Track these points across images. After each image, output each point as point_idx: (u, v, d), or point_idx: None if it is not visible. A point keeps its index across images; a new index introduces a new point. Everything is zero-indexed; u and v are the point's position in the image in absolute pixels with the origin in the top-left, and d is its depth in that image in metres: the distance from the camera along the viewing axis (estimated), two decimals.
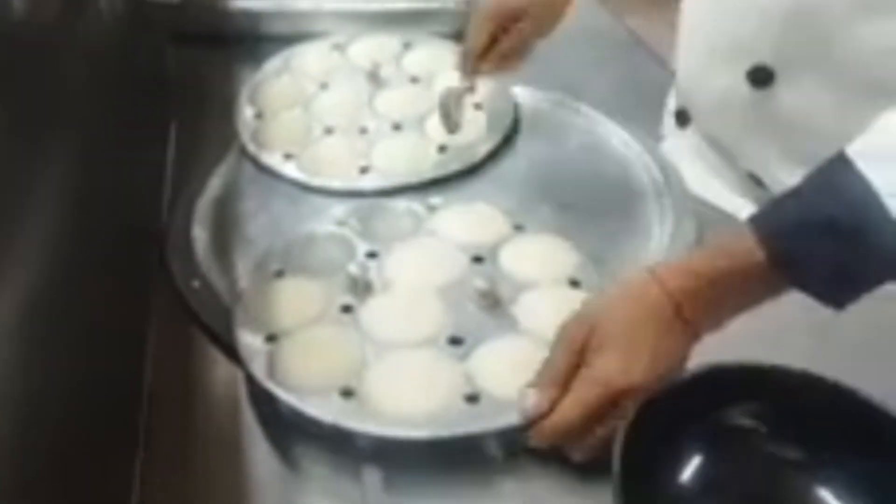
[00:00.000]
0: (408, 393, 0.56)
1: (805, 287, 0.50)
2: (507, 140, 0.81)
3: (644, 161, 0.77)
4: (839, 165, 0.50)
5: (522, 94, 0.86)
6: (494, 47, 0.75)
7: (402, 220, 0.71)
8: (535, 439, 0.52)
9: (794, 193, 0.52)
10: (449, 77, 0.84)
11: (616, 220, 0.72)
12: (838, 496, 0.47)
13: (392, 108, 0.84)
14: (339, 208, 0.73)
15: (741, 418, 0.49)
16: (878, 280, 0.51)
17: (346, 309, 0.62)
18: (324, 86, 0.87)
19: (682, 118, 0.77)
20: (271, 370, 0.57)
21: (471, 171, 0.77)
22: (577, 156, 0.79)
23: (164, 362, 0.61)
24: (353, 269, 0.63)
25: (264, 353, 0.59)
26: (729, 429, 0.49)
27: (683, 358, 0.52)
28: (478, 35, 0.74)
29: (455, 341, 0.59)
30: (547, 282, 0.64)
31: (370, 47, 0.91)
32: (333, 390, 0.55)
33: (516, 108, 0.84)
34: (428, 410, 0.54)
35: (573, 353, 0.52)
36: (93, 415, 0.52)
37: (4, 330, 0.41)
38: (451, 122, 0.77)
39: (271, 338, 0.60)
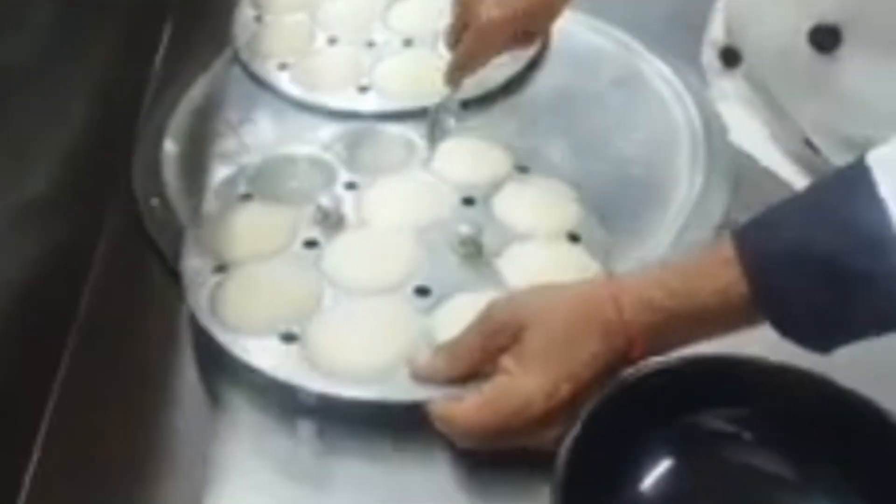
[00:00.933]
0: (356, 345, 0.49)
1: (788, 332, 0.40)
2: (530, 68, 0.71)
3: (684, 103, 0.66)
4: (856, 168, 0.39)
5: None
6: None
7: (394, 149, 0.63)
8: (431, 420, 0.44)
9: (798, 208, 0.41)
10: None
11: (638, 169, 0.62)
12: None
13: (407, 21, 0.75)
14: (328, 129, 0.65)
15: (719, 422, 0.40)
16: (881, 328, 0.39)
17: (310, 244, 0.55)
18: None
19: (731, 57, 0.65)
20: (213, 303, 0.51)
21: (482, 100, 0.68)
22: (606, 92, 0.69)
23: (109, 282, 0.56)
24: (324, 200, 0.56)
25: (210, 284, 0.52)
26: (703, 434, 0.40)
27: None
28: (486, 56, 0.62)
29: (422, 291, 0.52)
30: (542, 234, 0.56)
31: None
32: (274, 333, 0.49)
33: (546, 32, 0.74)
34: (377, 367, 0.47)
35: (494, 342, 0.44)
36: (18, 322, 0.47)
37: None
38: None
39: (220, 268, 0.53)
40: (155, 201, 0.59)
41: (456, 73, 0.64)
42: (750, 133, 0.64)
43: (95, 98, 0.62)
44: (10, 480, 0.45)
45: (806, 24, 0.55)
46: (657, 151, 0.63)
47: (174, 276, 0.55)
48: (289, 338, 0.49)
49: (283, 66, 0.70)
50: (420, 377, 0.46)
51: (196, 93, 0.69)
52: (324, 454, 0.47)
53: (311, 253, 0.54)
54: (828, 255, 0.38)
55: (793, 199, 0.42)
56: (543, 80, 0.70)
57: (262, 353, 0.48)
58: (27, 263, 0.50)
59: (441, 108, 0.64)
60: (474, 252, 0.53)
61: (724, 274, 0.40)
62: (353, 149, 0.63)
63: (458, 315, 0.49)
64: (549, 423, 0.41)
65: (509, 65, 0.69)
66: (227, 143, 0.65)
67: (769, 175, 0.60)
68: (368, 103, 0.68)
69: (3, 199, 0.48)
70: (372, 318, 0.50)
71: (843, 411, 0.39)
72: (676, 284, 0.42)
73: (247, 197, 0.59)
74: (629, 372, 0.41)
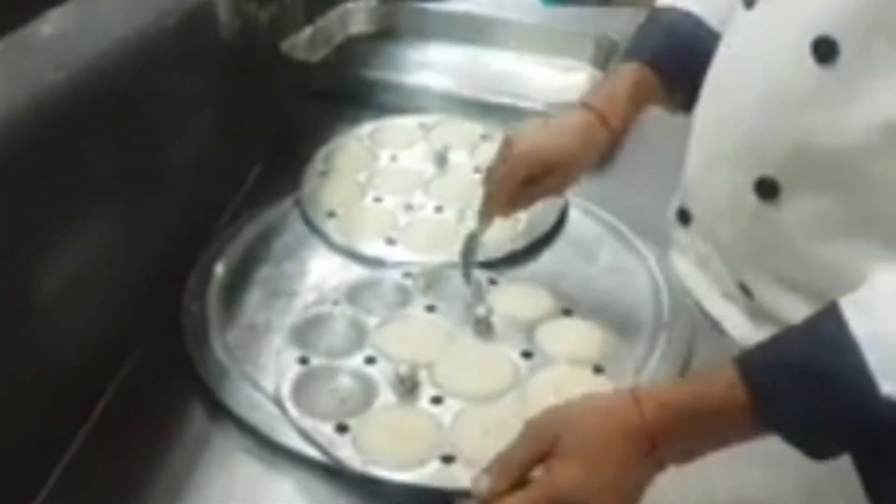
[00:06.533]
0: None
1: (780, 430, 0.50)
2: (537, 246, 0.82)
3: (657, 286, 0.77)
4: (828, 313, 0.50)
5: (576, 204, 0.87)
6: (517, 196, 0.73)
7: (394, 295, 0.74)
8: None
9: (782, 336, 0.52)
10: None
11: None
12: None
13: (444, 191, 0.88)
14: (356, 271, 0.78)
15: None
16: (853, 434, 0.50)
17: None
18: (394, 158, 0.93)
19: (685, 217, 0.74)
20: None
21: (483, 266, 0.78)
22: (599, 277, 0.79)
23: (140, 373, 0.69)
24: (402, 368, 0.64)
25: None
26: None
27: (643, 486, 0.52)
28: (509, 187, 0.72)
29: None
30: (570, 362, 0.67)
31: (450, 132, 0.96)
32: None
33: (561, 218, 0.85)
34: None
35: (538, 452, 0.52)
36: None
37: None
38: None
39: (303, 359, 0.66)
40: (195, 307, 0.73)
41: (488, 205, 0.73)
42: (697, 280, 0.74)
43: (182, 216, 0.79)
44: None
45: (751, 177, 0.64)
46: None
47: (194, 373, 0.68)
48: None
49: (331, 215, 0.85)
50: (480, 492, 0.52)
51: (258, 225, 0.84)
52: None
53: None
54: (802, 358, 0.49)
55: (781, 330, 0.53)
56: (544, 261, 0.81)
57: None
58: (81, 337, 0.63)
59: (471, 240, 0.75)
60: (486, 329, 0.68)
61: (724, 385, 0.50)
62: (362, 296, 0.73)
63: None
64: None
65: (514, 244, 0.81)
66: (268, 272, 0.79)
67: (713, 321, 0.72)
68: (393, 255, 0.80)
69: (87, 286, 0.63)
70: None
71: None
72: (688, 392, 0.52)
73: (304, 361, 0.67)
74: None
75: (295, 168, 0.92)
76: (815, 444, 0.50)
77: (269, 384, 0.66)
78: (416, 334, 0.69)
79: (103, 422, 0.64)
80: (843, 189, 0.59)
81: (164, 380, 0.68)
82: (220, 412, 0.65)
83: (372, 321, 0.70)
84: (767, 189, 0.63)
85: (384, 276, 0.77)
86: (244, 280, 0.77)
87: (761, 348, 0.52)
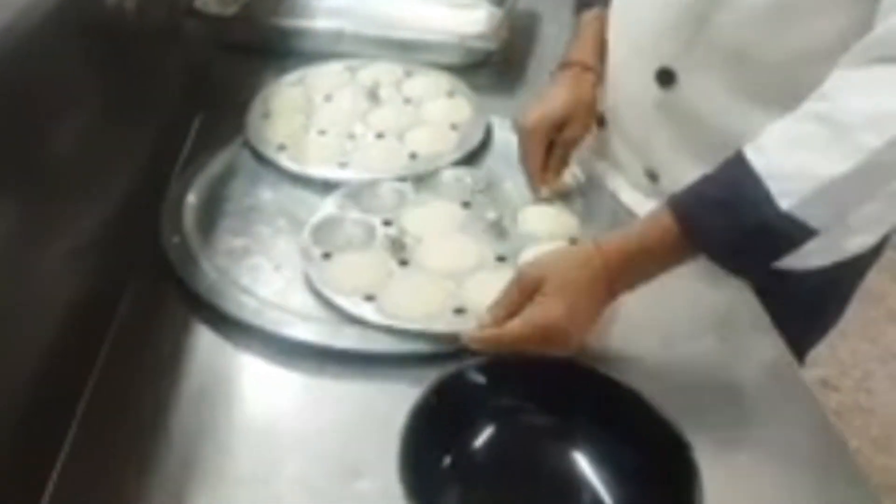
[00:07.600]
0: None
1: (708, 252, 0.63)
2: (472, 158, 0.92)
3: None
4: (735, 157, 0.62)
5: (499, 123, 0.97)
6: (548, 163, 0.84)
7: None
8: (474, 343, 0.65)
9: (703, 180, 0.64)
10: (437, 103, 0.99)
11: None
12: (583, 454, 0.61)
13: (381, 121, 0.96)
14: (311, 195, 0.86)
15: (513, 399, 0.62)
16: (768, 253, 0.63)
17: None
18: (328, 98, 1.00)
19: (599, 122, 0.88)
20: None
21: (432, 176, 0.88)
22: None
23: (138, 299, 0.75)
24: (391, 230, 0.78)
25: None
26: (504, 407, 0.62)
27: (602, 314, 0.66)
28: (535, 154, 0.83)
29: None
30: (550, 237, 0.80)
31: (377, 71, 1.04)
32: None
33: (487, 132, 0.95)
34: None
35: (526, 292, 0.66)
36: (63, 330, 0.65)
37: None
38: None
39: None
40: (176, 239, 0.79)
41: (530, 179, 0.84)
42: (611, 177, 0.88)
43: (139, 167, 0.83)
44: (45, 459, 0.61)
45: (653, 67, 0.77)
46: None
47: (188, 293, 0.74)
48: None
49: (281, 148, 0.92)
50: (479, 327, 0.66)
51: (214, 167, 0.90)
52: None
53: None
54: (719, 194, 0.62)
55: (702, 176, 0.64)
56: (481, 170, 0.91)
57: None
58: (77, 285, 0.68)
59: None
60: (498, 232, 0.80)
61: (662, 224, 0.64)
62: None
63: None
64: (561, 338, 0.63)
65: (453, 154, 0.91)
66: (233, 204, 0.85)
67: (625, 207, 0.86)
68: (347, 174, 0.88)
69: (70, 239, 0.67)
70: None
71: (594, 386, 0.61)
72: (635, 237, 0.66)
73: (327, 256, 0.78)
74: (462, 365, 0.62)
75: (234, 116, 0.97)
76: (735, 261, 0.63)
77: (267, 292, 0.73)
78: (426, 223, 0.82)
79: (113, 358, 0.69)
80: (732, 70, 0.72)
81: (163, 310, 0.74)
82: (226, 326, 0.72)
83: (377, 220, 0.81)
84: (666, 77, 0.77)
85: (382, 181, 0.87)
86: (213, 214, 0.84)
87: (686, 191, 0.64)
